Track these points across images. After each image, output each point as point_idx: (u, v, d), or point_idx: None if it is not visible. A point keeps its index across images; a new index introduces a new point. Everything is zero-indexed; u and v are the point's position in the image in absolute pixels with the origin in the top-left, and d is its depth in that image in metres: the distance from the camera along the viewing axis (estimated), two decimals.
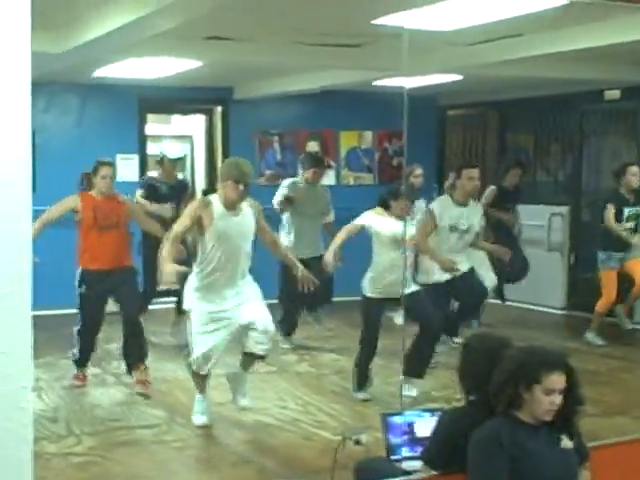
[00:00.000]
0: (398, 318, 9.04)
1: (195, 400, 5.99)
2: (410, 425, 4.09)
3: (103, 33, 5.91)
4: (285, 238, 7.93)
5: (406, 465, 3.91)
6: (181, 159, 8.76)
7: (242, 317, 5.68)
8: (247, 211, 5.68)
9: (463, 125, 12.00)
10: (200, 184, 11.84)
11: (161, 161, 8.54)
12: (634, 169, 8.28)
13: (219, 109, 11.02)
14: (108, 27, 5.77)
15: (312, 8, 6.01)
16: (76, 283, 6.71)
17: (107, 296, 6.85)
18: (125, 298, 6.75)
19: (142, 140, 10.67)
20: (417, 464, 3.77)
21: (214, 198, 5.65)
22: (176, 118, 12.83)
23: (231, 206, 5.59)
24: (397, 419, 4.10)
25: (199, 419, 5.94)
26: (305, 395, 6.69)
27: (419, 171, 9.07)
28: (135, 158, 10.41)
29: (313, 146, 11.24)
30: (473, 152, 11.84)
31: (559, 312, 10.13)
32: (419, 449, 3.85)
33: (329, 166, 11.22)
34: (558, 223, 10.19)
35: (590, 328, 8.55)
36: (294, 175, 10.69)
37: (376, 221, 6.36)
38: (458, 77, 9.02)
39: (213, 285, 5.66)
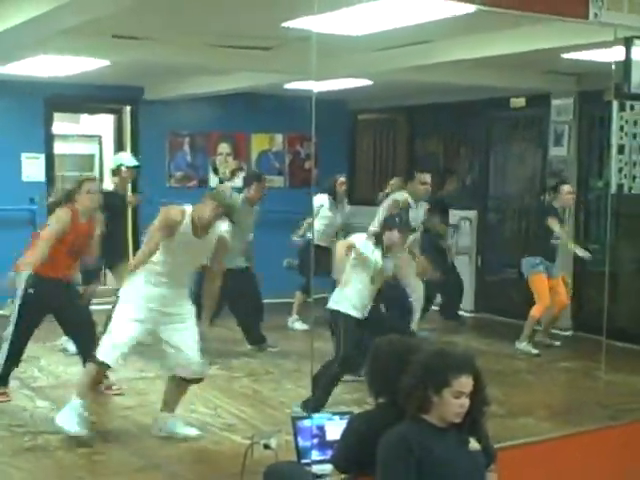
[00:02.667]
0: (297, 323, 9.17)
1: (72, 405, 5.60)
2: (320, 428, 4.08)
3: (3, 29, 5.74)
4: None
5: (316, 469, 3.90)
6: (139, 167, 8.42)
7: (171, 338, 5.59)
8: (212, 236, 5.58)
9: (374, 129, 12.09)
10: (108, 185, 11.59)
11: (117, 170, 8.25)
12: (568, 188, 8.39)
13: (128, 109, 10.86)
14: (9, 23, 5.61)
15: (222, 10, 5.96)
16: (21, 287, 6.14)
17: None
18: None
19: (49, 139, 10.43)
20: (327, 467, 3.77)
21: (187, 211, 5.51)
22: (85, 117, 12.60)
23: (202, 225, 5.50)
24: (307, 422, 4.09)
25: (75, 427, 5.55)
26: (215, 398, 6.63)
27: (343, 179, 9.21)
28: (41, 157, 10.20)
29: (224, 148, 11.18)
30: (384, 156, 11.94)
31: (468, 314, 10.28)
32: (329, 452, 3.86)
33: (241, 168, 11.19)
34: (466, 227, 10.35)
35: (522, 336, 8.41)
36: (204, 178, 10.67)
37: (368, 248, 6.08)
38: (368, 82, 9.08)
39: (157, 286, 5.56)
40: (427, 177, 7.35)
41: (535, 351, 8.36)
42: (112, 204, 7.39)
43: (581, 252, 8.21)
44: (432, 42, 7.03)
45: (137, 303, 5.54)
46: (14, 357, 6.29)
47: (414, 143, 11.54)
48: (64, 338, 7.38)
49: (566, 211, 8.60)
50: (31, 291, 6.05)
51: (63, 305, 6.32)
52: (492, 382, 5.57)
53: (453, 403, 3.29)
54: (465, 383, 3.29)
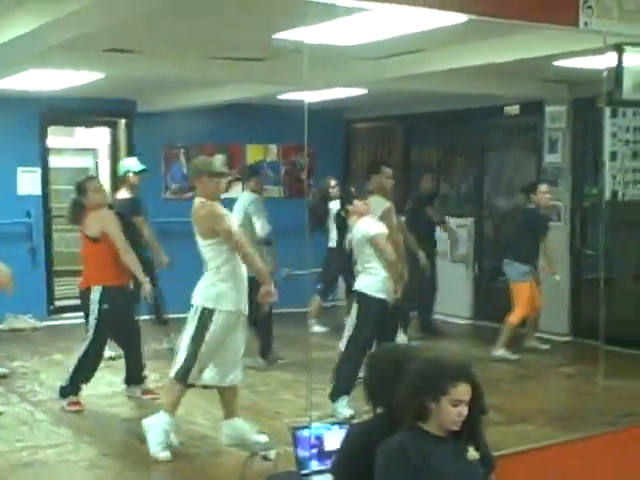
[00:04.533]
0: (316, 327, 9.24)
1: (161, 424, 5.53)
2: (319, 438, 4.09)
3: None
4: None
5: (316, 479, 3.91)
6: (145, 170, 8.49)
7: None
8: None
9: (369, 138, 12.11)
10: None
11: (125, 177, 8.34)
12: (544, 187, 8.46)
13: (123, 122, 10.89)
14: (3, 38, 5.63)
15: (215, 22, 5.98)
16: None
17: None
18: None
19: (44, 153, 10.45)
20: (327, 478, 3.77)
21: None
22: (80, 131, 12.63)
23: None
24: (306, 433, 4.10)
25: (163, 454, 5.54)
26: (215, 410, 6.59)
27: (333, 182, 9.31)
28: (37, 171, 10.22)
29: (220, 159, 11.19)
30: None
31: (465, 322, 10.29)
32: (328, 462, 3.86)
33: (237, 179, 11.20)
34: (463, 235, 10.37)
35: (498, 343, 8.41)
36: None
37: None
38: (363, 91, 9.11)
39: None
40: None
41: (514, 357, 8.38)
42: (135, 210, 7.78)
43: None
44: (426, 51, 7.06)
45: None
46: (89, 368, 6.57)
47: (409, 152, 11.57)
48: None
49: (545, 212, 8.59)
50: (106, 307, 6.41)
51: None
52: (491, 389, 5.59)
53: (451, 411, 3.28)
54: (463, 391, 3.29)
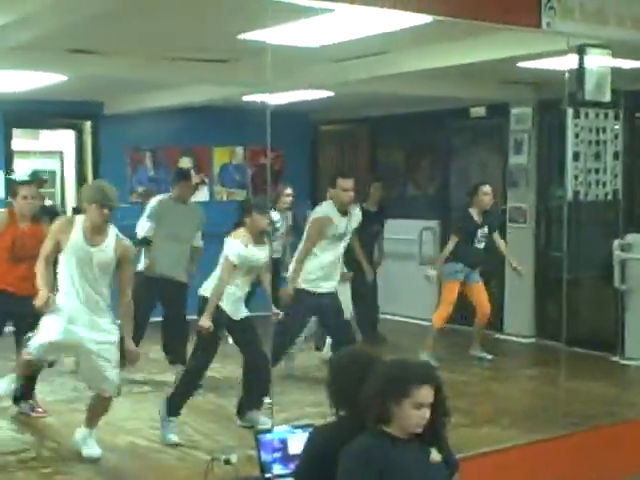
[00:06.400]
0: None
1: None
2: (283, 442, 4.05)
3: None
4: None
5: None
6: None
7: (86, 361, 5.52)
8: (110, 243, 5.45)
9: (336, 141, 12.09)
10: (70, 201, 11.52)
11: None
12: (486, 189, 8.37)
13: (88, 124, 10.77)
14: None
15: (179, 23, 5.92)
16: None
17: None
18: None
19: (9, 156, 10.31)
20: None
21: (78, 219, 5.48)
22: (45, 133, 12.49)
23: (94, 231, 5.41)
24: (269, 436, 4.05)
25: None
26: (180, 415, 6.54)
27: (289, 190, 9.06)
28: (1, 175, 10.07)
29: (186, 162, 11.11)
30: (346, 168, 11.92)
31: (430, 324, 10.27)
32: (292, 466, 3.82)
33: (203, 182, 11.13)
34: (429, 237, 10.36)
35: (425, 346, 8.18)
36: (167, 192, 10.50)
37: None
38: (329, 93, 9.07)
39: (67, 305, 5.42)
40: (349, 183, 7.01)
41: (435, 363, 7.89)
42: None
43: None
44: (390, 53, 7.03)
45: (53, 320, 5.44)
46: None
47: (376, 154, 11.56)
48: None
49: (490, 214, 8.47)
50: None
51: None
52: (456, 392, 5.58)
53: (413, 415, 3.26)
54: (426, 394, 3.27)
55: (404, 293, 9.98)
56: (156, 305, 7.63)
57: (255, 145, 11.11)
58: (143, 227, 7.73)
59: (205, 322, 5.84)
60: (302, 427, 4.08)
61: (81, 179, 11.00)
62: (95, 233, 5.41)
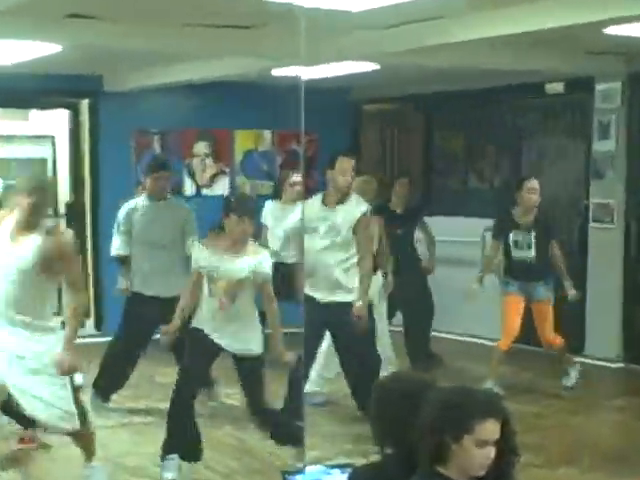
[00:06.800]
0: None
1: None
2: None
3: None
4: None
5: None
6: None
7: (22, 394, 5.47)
8: (33, 243, 5.41)
9: (382, 123, 12.12)
10: (64, 195, 11.58)
11: None
12: (532, 184, 8.26)
13: (86, 102, 10.88)
14: None
15: None
16: None
17: None
18: None
19: None
20: None
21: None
22: (34, 114, 12.61)
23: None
24: (299, 478, 4.08)
25: None
26: (149, 445, 6.59)
27: (296, 177, 8.71)
28: None
29: (202, 148, 11.18)
30: (395, 154, 11.96)
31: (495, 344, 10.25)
32: None
33: (222, 172, 11.18)
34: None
35: (489, 374, 8.19)
36: (178, 184, 10.50)
37: None
38: (374, 66, 9.08)
39: None
40: (348, 163, 7.00)
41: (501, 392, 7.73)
42: None
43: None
44: (444, 18, 7.02)
45: None
46: None
47: (431, 139, 11.57)
48: None
49: (533, 214, 8.35)
50: None
51: None
52: (527, 426, 5.57)
53: (476, 454, 3.25)
54: (491, 430, 3.26)
55: (462, 306, 9.95)
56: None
57: (285, 128, 11.16)
58: (114, 244, 7.83)
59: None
60: (339, 467, 4.10)
61: (77, 168, 11.11)
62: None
